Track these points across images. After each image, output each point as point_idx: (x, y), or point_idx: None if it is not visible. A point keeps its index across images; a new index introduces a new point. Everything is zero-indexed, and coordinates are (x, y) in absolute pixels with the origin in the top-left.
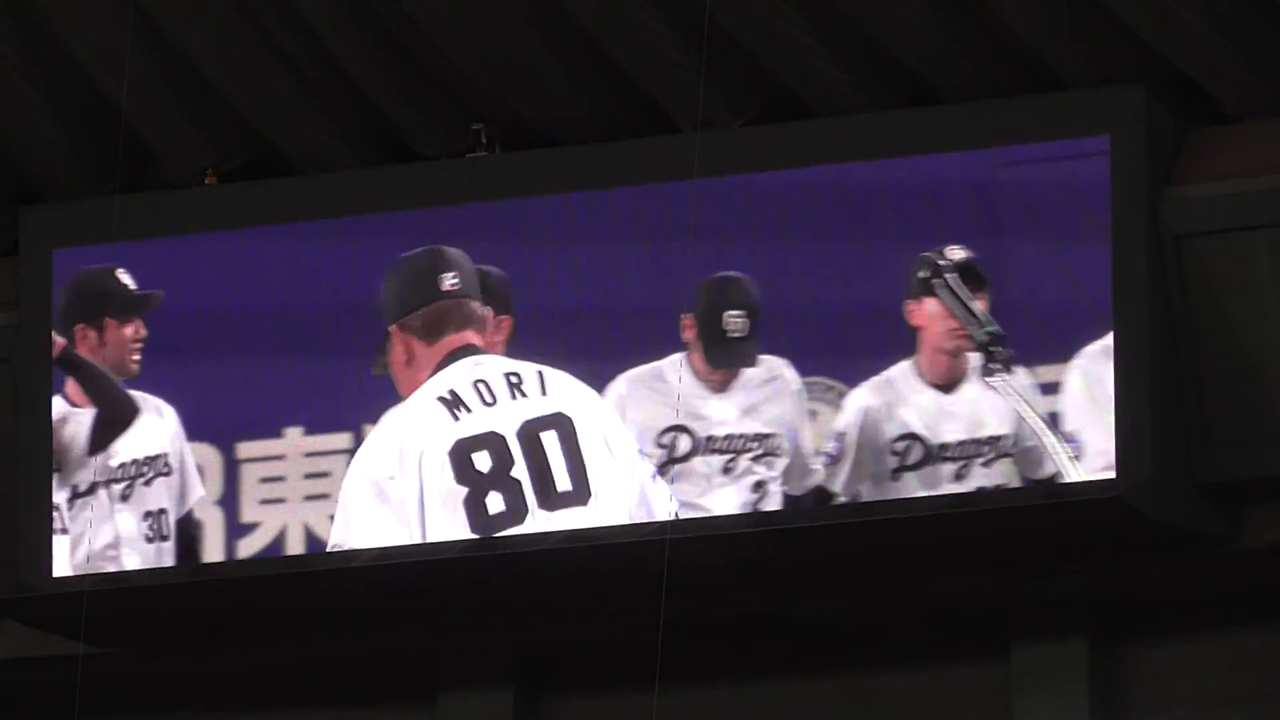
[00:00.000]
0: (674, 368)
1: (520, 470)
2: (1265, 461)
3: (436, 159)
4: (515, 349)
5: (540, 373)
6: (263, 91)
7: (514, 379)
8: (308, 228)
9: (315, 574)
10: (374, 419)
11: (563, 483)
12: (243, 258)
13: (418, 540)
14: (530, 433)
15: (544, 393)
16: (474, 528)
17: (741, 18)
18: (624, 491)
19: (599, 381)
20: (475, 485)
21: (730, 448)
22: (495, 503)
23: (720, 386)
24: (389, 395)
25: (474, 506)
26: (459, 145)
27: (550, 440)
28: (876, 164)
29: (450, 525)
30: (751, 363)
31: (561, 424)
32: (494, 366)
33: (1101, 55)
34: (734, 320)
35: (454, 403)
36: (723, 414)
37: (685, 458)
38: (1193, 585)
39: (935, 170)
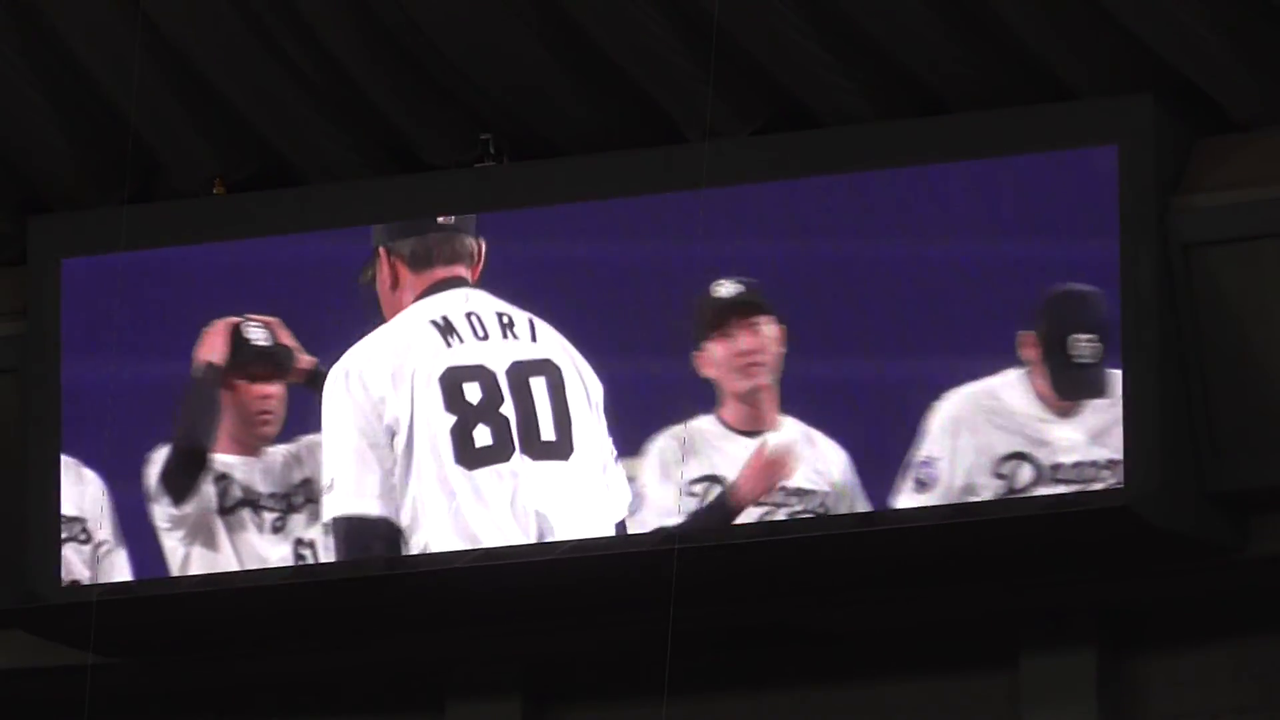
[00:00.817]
0: (1009, 387)
1: (508, 409)
2: (1274, 470)
3: (445, 168)
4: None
5: (531, 320)
6: (271, 101)
7: (505, 319)
8: (317, 237)
9: (323, 584)
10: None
11: (547, 432)
12: (252, 267)
13: (393, 514)
14: (520, 375)
15: (534, 339)
16: (459, 459)
17: (749, 27)
18: (599, 457)
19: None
20: (463, 416)
21: (1079, 477)
22: (482, 436)
23: (1067, 410)
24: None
25: (461, 438)
26: (467, 155)
27: (539, 386)
28: (885, 173)
29: (435, 467)
30: (1101, 392)
31: (550, 372)
32: (485, 303)
33: (1110, 64)
34: (1082, 344)
35: (446, 329)
36: (1069, 439)
37: (1024, 489)
38: (1201, 594)
39: (944, 179)
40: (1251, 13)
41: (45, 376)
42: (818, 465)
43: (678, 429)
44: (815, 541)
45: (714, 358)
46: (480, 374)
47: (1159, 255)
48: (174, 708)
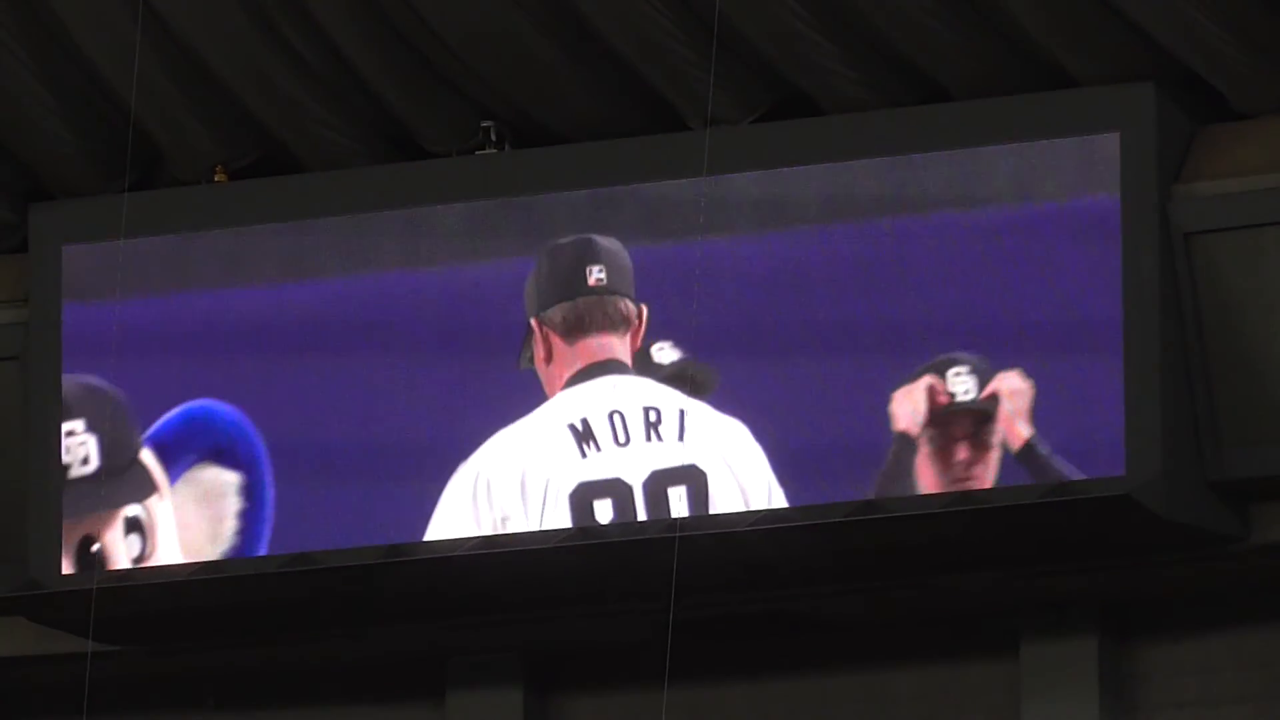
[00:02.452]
0: None
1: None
2: (1275, 459)
3: (446, 156)
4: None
5: (682, 412)
6: (272, 89)
7: (652, 416)
8: (317, 225)
9: (324, 571)
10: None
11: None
12: (252, 255)
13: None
14: (658, 486)
15: (681, 438)
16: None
17: (751, 15)
18: None
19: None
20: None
21: None
22: None
23: None
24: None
25: None
26: (468, 143)
27: (678, 497)
28: (883, 160)
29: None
30: None
31: (694, 479)
32: (633, 395)
33: (1111, 53)
34: None
35: (585, 435)
36: None
37: None
38: (1202, 583)
39: (942, 168)
40: (1252, 2)
41: (46, 363)
42: None
43: None
44: (815, 530)
45: None
46: (615, 489)
47: (1160, 243)
48: (173, 695)
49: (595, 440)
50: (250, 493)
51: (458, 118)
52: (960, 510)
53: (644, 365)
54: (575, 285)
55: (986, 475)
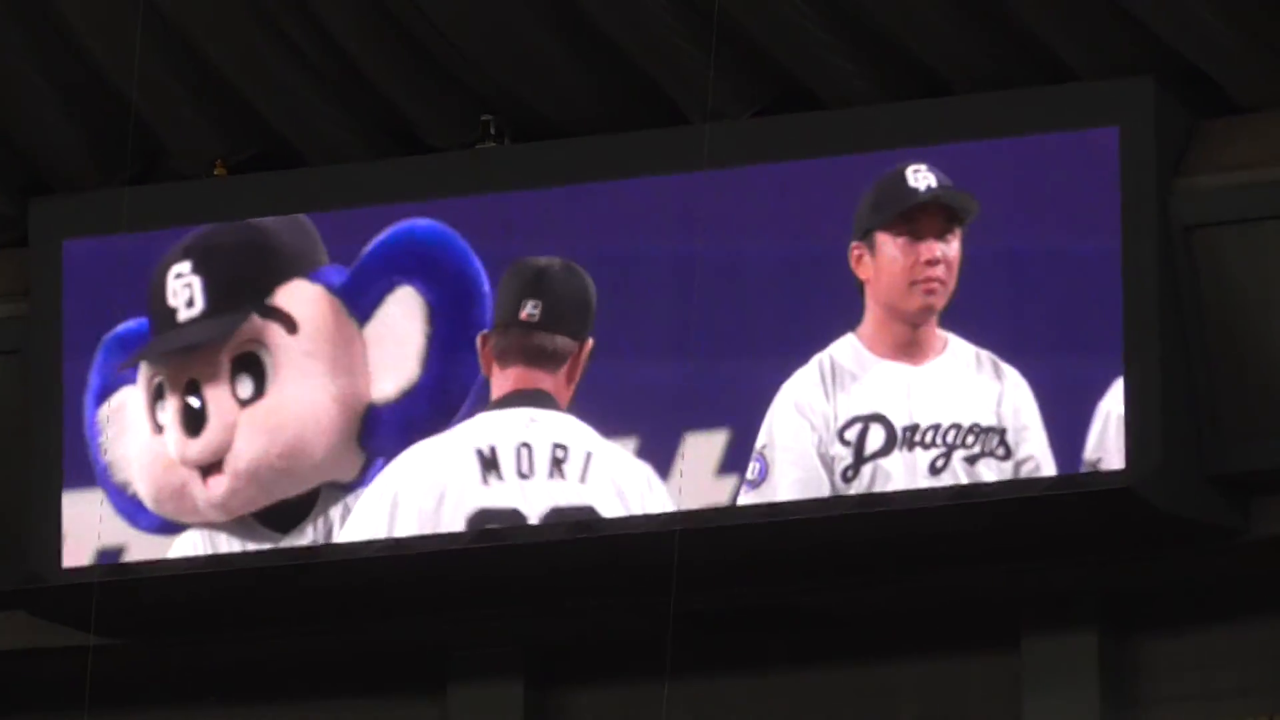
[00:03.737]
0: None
1: None
2: (1276, 452)
3: (446, 150)
4: (578, 404)
5: (589, 455)
6: (273, 83)
7: (559, 454)
8: (318, 219)
9: (325, 565)
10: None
11: None
12: None
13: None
14: (554, 522)
15: (583, 479)
16: None
17: (751, 9)
18: None
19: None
20: None
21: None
22: None
23: None
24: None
25: None
26: (469, 137)
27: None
28: (883, 154)
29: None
30: None
31: (589, 520)
32: (546, 432)
33: (1111, 46)
34: None
35: (490, 463)
36: None
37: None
38: (1203, 577)
39: (946, 160)
40: None
41: (47, 358)
42: None
43: None
44: (816, 524)
45: None
46: (510, 519)
47: (1160, 237)
48: (175, 689)
49: (499, 470)
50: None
51: (458, 112)
52: (961, 504)
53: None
54: (507, 315)
55: None
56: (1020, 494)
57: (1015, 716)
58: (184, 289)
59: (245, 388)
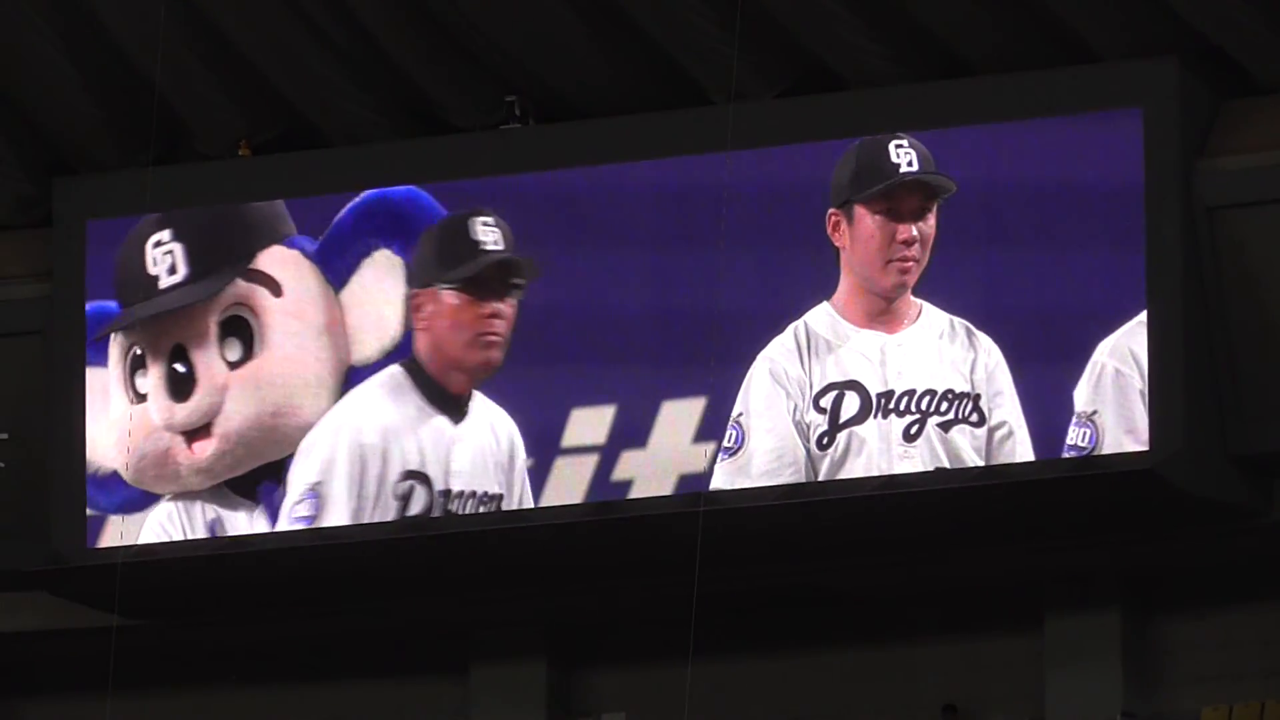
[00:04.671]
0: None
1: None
2: None
3: (470, 131)
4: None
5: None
6: (296, 64)
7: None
8: (342, 199)
9: (346, 546)
10: None
11: None
12: None
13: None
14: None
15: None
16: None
17: None
18: None
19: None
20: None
21: None
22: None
23: None
24: None
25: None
26: (492, 117)
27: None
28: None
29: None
30: None
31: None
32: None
33: (1135, 28)
34: None
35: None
36: None
37: None
38: (1225, 557)
39: (967, 142)
40: None
41: (70, 338)
42: None
43: None
44: (838, 504)
45: None
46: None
47: (1183, 218)
48: (197, 669)
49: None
50: None
51: (482, 93)
52: (984, 485)
53: None
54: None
55: None
56: (1043, 475)
57: (1037, 696)
58: (165, 256)
59: (234, 350)
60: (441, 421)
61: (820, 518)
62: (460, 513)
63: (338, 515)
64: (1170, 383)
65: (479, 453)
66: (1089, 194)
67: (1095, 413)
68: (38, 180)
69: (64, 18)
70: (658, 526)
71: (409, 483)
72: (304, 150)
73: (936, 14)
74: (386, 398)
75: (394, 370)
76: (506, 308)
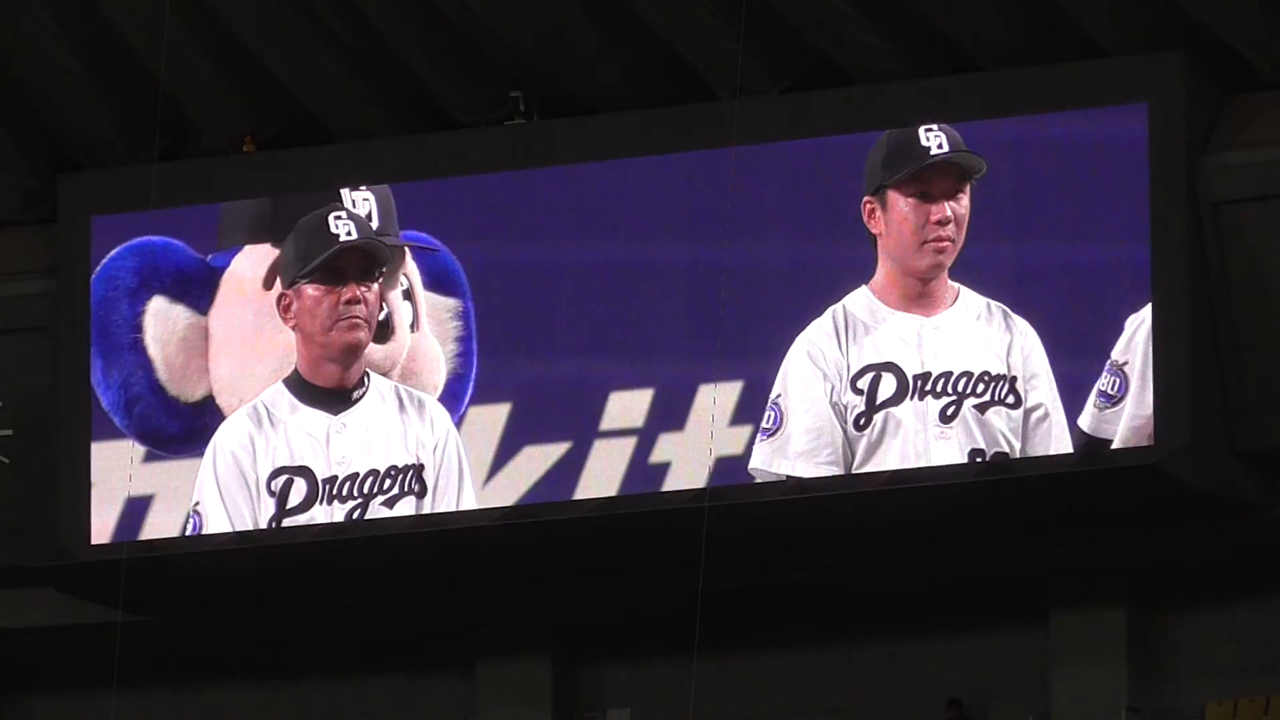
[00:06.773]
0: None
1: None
2: None
3: (474, 126)
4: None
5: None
6: (301, 59)
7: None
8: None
9: (354, 542)
10: None
11: None
12: None
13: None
14: None
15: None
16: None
17: None
18: None
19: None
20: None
21: None
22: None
23: None
24: None
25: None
26: (497, 113)
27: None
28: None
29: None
30: None
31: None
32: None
33: (1140, 22)
34: None
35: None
36: None
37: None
38: (1231, 552)
39: (974, 137)
40: None
41: (74, 333)
42: None
43: None
44: (843, 499)
45: None
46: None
47: (1189, 212)
48: (203, 665)
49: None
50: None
51: (487, 88)
52: (989, 480)
53: None
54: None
55: None
56: (1048, 470)
57: (1044, 692)
58: (364, 202)
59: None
60: (316, 415)
61: (825, 515)
62: (365, 493)
63: (218, 523)
64: (1175, 378)
65: (372, 434)
66: (1093, 188)
67: (1126, 363)
68: (43, 176)
69: (68, 13)
70: (664, 523)
71: (283, 477)
72: (309, 146)
73: (943, 10)
74: (247, 415)
75: (272, 388)
76: (367, 292)
